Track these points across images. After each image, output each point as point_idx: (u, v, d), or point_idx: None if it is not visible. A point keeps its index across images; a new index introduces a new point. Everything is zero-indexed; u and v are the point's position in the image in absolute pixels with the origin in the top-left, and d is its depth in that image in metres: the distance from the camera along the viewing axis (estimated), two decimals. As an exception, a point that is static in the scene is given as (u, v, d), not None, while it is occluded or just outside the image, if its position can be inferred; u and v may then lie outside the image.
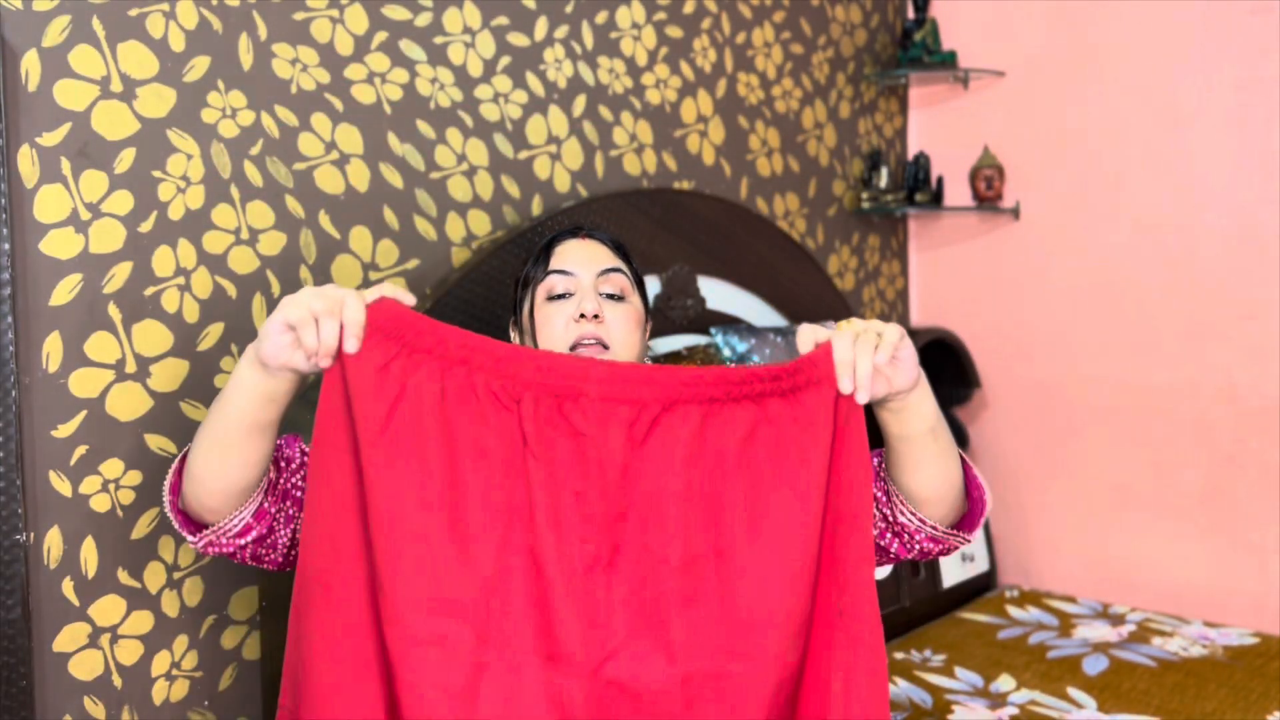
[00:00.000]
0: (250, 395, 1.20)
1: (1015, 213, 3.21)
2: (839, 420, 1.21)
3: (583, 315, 1.46)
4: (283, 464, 1.35)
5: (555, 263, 1.52)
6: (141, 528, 1.88)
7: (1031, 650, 2.58)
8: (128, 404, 1.85)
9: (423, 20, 2.23)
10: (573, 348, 1.46)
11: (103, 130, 1.81)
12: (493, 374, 1.18)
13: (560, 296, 1.50)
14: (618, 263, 1.54)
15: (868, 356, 1.20)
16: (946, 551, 1.41)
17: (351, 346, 1.14)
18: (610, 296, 1.50)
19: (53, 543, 1.78)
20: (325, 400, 1.16)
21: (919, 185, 3.23)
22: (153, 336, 1.88)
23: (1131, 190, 3.01)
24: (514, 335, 1.59)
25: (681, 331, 2.66)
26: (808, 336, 1.24)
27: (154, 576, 1.90)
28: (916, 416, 1.28)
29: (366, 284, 2.16)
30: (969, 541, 1.41)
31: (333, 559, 1.17)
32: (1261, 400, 2.82)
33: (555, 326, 1.48)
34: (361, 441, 1.14)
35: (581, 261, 1.51)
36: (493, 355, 1.18)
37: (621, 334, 1.48)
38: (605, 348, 1.46)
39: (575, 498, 1.17)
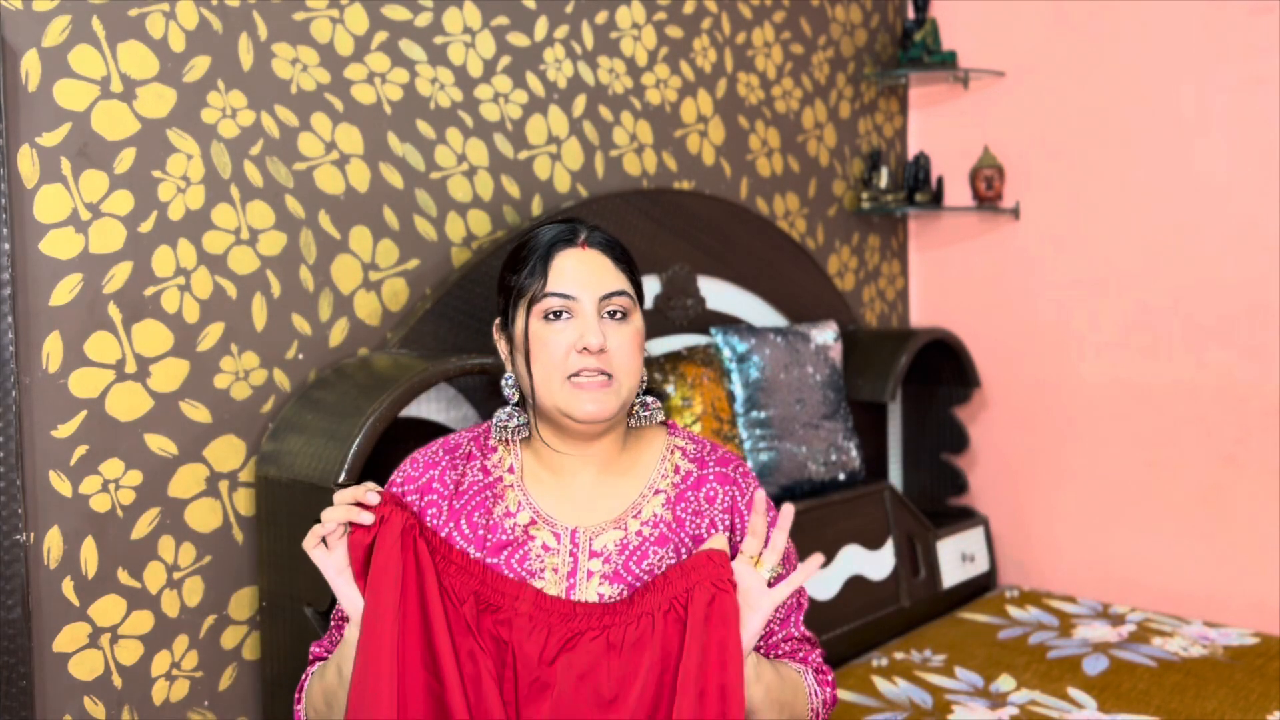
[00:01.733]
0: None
1: (1015, 213, 3.21)
2: (712, 617, 1.35)
3: (585, 349, 1.38)
4: None
5: (554, 281, 1.41)
6: (141, 528, 1.88)
7: (1031, 650, 2.58)
8: (128, 404, 1.85)
9: (423, 20, 2.23)
10: (572, 376, 1.39)
11: (103, 130, 1.81)
12: (444, 574, 1.37)
13: (559, 315, 1.41)
14: (622, 283, 1.44)
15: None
16: None
17: (372, 499, 1.35)
18: (613, 315, 1.42)
19: (53, 543, 1.78)
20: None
21: (919, 185, 3.23)
22: (153, 336, 1.88)
23: (1131, 190, 3.01)
24: (502, 346, 1.51)
25: (681, 331, 2.66)
26: (715, 542, 1.39)
27: (154, 576, 1.90)
28: (754, 684, 1.35)
29: (366, 284, 2.16)
30: None
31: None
32: (1261, 400, 2.82)
33: (554, 353, 1.40)
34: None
35: (584, 282, 1.41)
36: (447, 559, 1.39)
37: (624, 360, 1.41)
38: (609, 378, 1.40)
39: (504, 688, 1.35)
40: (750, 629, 1.34)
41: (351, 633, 1.35)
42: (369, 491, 1.35)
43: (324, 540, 1.35)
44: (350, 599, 1.35)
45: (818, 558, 1.36)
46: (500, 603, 1.37)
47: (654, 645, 1.34)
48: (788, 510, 1.38)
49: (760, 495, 1.39)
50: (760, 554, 1.37)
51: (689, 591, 1.35)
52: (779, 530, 1.37)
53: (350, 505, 1.35)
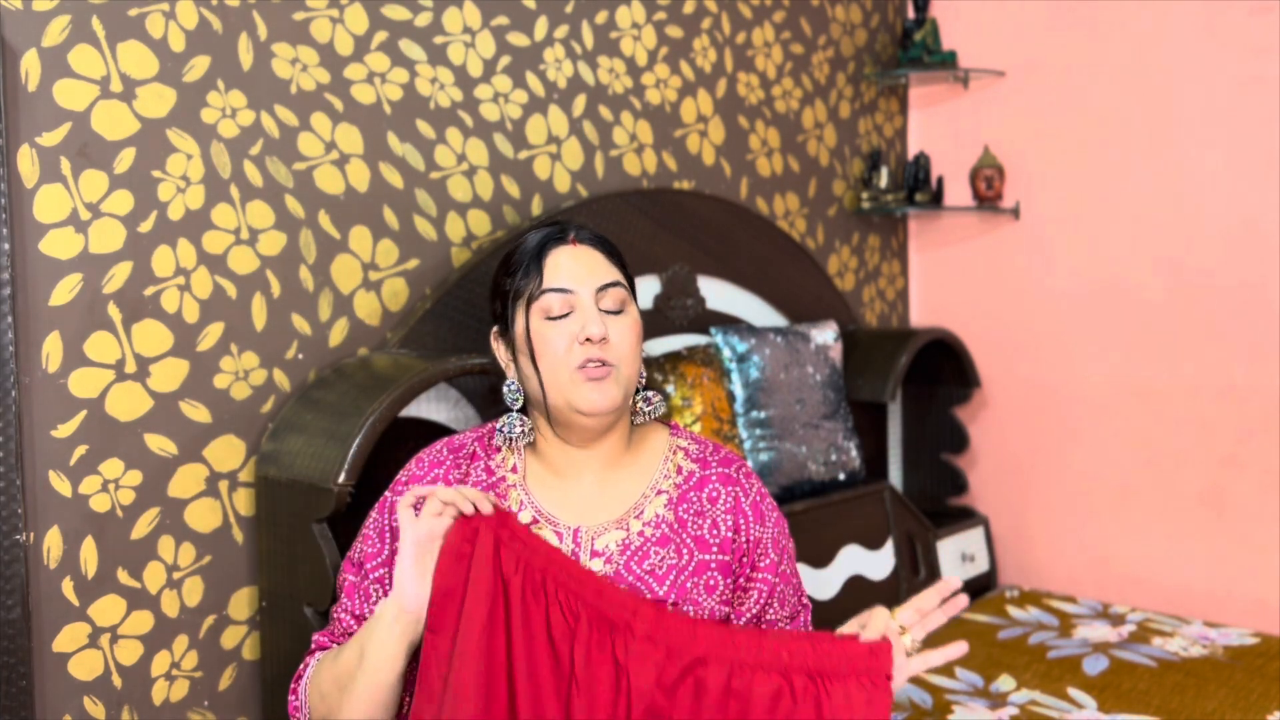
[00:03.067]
0: (397, 650, 1.34)
1: (1015, 213, 3.21)
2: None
3: (588, 339, 1.41)
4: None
5: (550, 278, 1.43)
6: (141, 528, 1.88)
7: (1031, 650, 2.58)
8: (128, 404, 1.85)
9: (423, 20, 2.23)
10: (579, 367, 1.41)
11: (103, 130, 1.81)
12: (562, 586, 1.32)
13: (559, 315, 1.43)
14: (615, 274, 1.47)
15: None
16: None
17: (486, 508, 1.33)
18: (611, 310, 1.45)
19: (53, 543, 1.78)
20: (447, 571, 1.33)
21: (919, 185, 3.23)
22: (153, 336, 1.88)
23: (1132, 190, 3.01)
24: (501, 352, 1.52)
25: (681, 331, 2.66)
26: (879, 623, 1.32)
27: (154, 576, 1.90)
28: None
29: (366, 284, 2.16)
30: None
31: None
32: (1261, 400, 2.82)
33: (557, 349, 1.42)
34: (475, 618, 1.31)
35: (578, 276, 1.44)
36: (565, 571, 1.33)
37: (625, 350, 1.44)
38: (611, 366, 1.42)
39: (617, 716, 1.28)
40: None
41: (386, 610, 1.34)
42: (486, 501, 1.34)
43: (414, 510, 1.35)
44: (409, 575, 1.33)
45: (962, 645, 1.33)
46: (618, 619, 1.31)
47: (775, 711, 1.28)
48: (961, 600, 1.35)
49: (954, 583, 1.36)
50: (912, 626, 1.33)
51: (840, 679, 1.29)
52: (942, 613, 1.35)
53: (465, 498, 1.34)
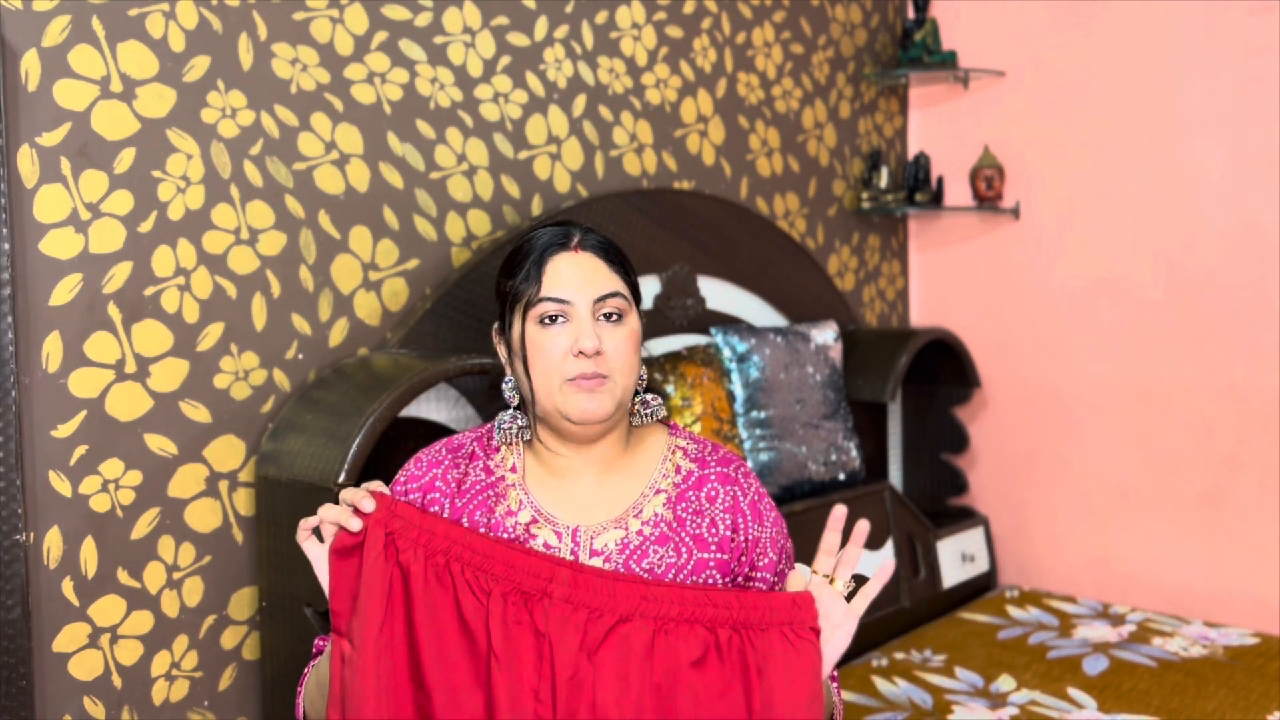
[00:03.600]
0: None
1: (1015, 213, 3.21)
2: (792, 671, 1.27)
3: (581, 352, 1.40)
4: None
5: (548, 286, 1.42)
6: (141, 528, 1.88)
7: (1031, 650, 2.58)
8: (128, 404, 1.85)
9: (423, 20, 2.23)
10: (570, 379, 1.40)
11: (103, 130, 1.81)
12: (468, 565, 1.31)
13: (554, 319, 1.42)
14: (616, 284, 1.45)
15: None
16: None
17: (368, 506, 1.33)
18: (608, 316, 1.43)
19: (53, 543, 1.78)
20: (336, 586, 1.33)
21: (919, 185, 3.23)
22: (153, 336, 1.88)
23: (1131, 190, 3.01)
24: (501, 350, 1.52)
25: (681, 331, 2.66)
26: (796, 580, 1.34)
27: (154, 576, 1.90)
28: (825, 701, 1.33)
29: (366, 284, 2.16)
30: None
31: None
32: (1261, 400, 2.82)
33: (550, 357, 1.41)
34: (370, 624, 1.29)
35: (577, 286, 1.42)
36: (470, 548, 1.31)
37: (620, 361, 1.42)
38: (604, 377, 1.41)
39: (533, 698, 1.26)
40: (835, 647, 1.33)
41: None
42: (366, 497, 1.34)
43: (317, 533, 1.36)
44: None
45: (890, 565, 1.35)
46: (533, 587, 1.30)
47: (703, 665, 1.28)
48: (863, 525, 1.36)
49: (839, 512, 1.36)
50: (835, 571, 1.34)
51: (764, 630, 1.29)
52: (854, 545, 1.35)
53: (346, 507, 1.35)
